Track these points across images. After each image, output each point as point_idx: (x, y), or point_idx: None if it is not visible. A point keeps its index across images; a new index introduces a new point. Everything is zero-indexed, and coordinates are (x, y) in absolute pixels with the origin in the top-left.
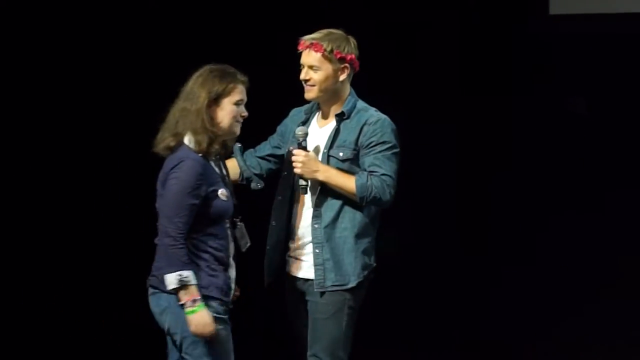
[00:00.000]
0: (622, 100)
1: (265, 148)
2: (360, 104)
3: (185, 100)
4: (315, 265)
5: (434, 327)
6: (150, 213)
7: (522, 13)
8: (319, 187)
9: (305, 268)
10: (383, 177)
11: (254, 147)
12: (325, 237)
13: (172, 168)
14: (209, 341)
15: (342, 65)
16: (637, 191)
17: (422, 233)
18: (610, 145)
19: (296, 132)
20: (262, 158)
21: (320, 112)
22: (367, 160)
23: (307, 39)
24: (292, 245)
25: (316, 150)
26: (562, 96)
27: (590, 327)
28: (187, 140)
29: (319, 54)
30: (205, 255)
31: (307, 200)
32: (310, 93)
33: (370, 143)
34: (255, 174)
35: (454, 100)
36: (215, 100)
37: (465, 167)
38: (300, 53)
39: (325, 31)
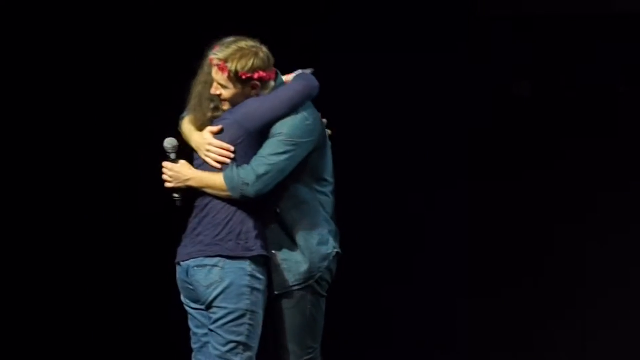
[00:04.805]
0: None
1: None
2: None
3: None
4: (274, 266)
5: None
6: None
7: None
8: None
9: None
10: (256, 159)
11: None
12: (277, 237)
13: None
14: (252, 324)
15: (251, 84)
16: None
17: None
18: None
19: (164, 144)
20: None
21: None
22: None
23: (214, 57)
24: None
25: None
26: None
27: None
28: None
29: (225, 75)
30: None
31: None
32: (225, 107)
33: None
34: None
35: None
36: None
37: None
38: None
39: (233, 47)
